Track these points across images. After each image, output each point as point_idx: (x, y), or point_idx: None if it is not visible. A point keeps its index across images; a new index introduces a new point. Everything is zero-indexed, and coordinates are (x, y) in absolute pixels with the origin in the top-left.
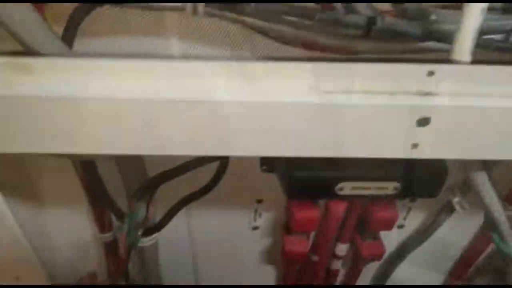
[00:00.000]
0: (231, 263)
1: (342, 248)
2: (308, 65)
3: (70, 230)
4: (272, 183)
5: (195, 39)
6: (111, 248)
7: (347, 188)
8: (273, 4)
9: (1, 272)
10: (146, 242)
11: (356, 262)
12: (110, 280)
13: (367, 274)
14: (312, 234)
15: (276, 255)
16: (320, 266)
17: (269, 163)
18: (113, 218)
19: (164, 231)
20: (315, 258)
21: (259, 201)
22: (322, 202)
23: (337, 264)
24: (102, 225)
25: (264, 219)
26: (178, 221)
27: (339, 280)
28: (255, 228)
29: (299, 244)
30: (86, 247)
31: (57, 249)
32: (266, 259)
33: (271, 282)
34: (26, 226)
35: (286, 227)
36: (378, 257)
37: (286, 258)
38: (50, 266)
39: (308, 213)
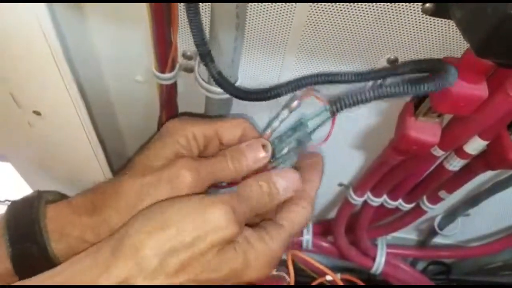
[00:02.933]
0: None
1: (478, 146)
2: None
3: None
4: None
5: None
6: (166, 95)
7: None
8: None
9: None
10: None
11: (479, 167)
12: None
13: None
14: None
15: (376, 138)
16: (434, 162)
17: None
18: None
19: None
20: (438, 152)
21: (392, 61)
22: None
23: (456, 165)
24: (164, 60)
25: None
26: None
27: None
28: None
29: (431, 132)
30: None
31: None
32: (362, 139)
33: (357, 169)
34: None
35: (416, 105)
36: None
37: (403, 147)
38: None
39: (475, 89)
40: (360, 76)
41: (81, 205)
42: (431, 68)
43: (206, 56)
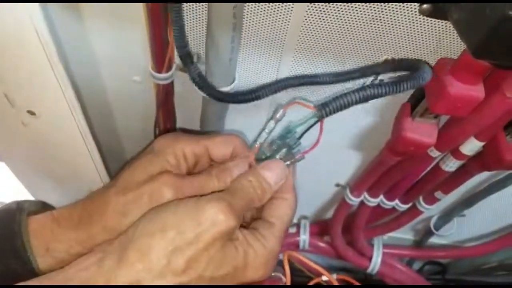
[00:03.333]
0: None
1: (474, 147)
2: None
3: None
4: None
5: None
6: (163, 95)
7: None
8: None
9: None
10: None
11: (475, 168)
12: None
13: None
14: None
15: (373, 139)
16: (431, 163)
17: None
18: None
19: None
20: (434, 153)
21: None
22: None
23: (452, 166)
24: (161, 60)
25: None
26: None
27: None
28: None
29: (427, 133)
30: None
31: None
32: (359, 140)
33: (353, 169)
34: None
35: (413, 106)
36: None
37: (399, 147)
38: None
39: (472, 90)
40: (340, 77)
41: (66, 218)
42: (407, 67)
43: (186, 58)
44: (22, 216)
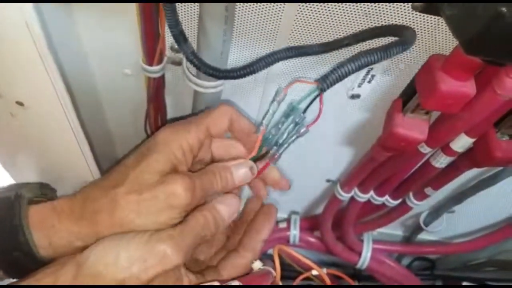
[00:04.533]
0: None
1: (465, 143)
2: None
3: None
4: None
5: None
6: (154, 88)
7: None
8: None
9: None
10: None
11: (465, 164)
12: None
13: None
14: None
15: (364, 135)
16: (421, 159)
17: None
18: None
19: None
20: (425, 149)
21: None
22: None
23: (443, 162)
24: (152, 53)
25: (373, 87)
26: None
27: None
28: (355, 96)
29: (418, 129)
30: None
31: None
32: (350, 136)
33: (344, 165)
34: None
35: (404, 102)
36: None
37: (390, 143)
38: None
39: (463, 86)
40: (326, 47)
41: (67, 212)
42: (389, 31)
43: (179, 37)
44: (22, 208)
